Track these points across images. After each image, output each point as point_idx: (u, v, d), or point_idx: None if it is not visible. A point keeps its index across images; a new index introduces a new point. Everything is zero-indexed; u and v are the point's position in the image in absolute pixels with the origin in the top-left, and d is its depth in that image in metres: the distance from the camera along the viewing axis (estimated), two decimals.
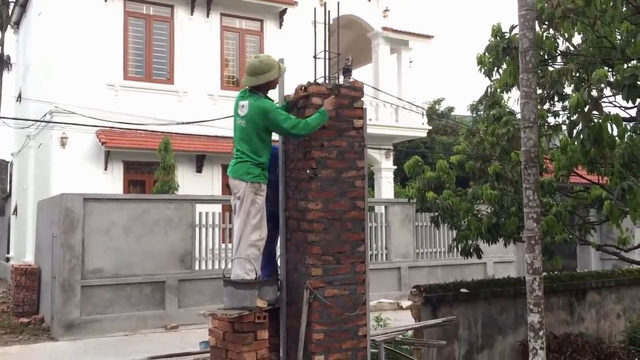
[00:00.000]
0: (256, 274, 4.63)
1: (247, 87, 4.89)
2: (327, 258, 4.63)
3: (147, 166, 15.37)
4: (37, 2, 17.73)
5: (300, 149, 4.83)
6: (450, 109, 35.90)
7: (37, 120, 15.31)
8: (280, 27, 17.95)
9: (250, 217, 4.69)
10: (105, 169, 15.09)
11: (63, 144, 14.87)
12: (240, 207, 4.71)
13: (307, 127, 4.62)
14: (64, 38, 15.18)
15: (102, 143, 14.63)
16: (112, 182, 15.03)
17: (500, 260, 15.18)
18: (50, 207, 11.96)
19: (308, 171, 4.64)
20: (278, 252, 5.11)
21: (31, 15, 18.65)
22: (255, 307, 4.52)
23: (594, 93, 4.94)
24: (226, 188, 16.06)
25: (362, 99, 4.96)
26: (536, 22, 5.06)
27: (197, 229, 11.94)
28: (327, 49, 5.08)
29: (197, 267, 11.85)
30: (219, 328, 4.68)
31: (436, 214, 7.28)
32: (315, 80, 4.87)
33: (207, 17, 16.91)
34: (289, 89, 5.08)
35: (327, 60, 5.05)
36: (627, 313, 9.09)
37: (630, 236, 7.13)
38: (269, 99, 4.87)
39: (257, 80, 4.79)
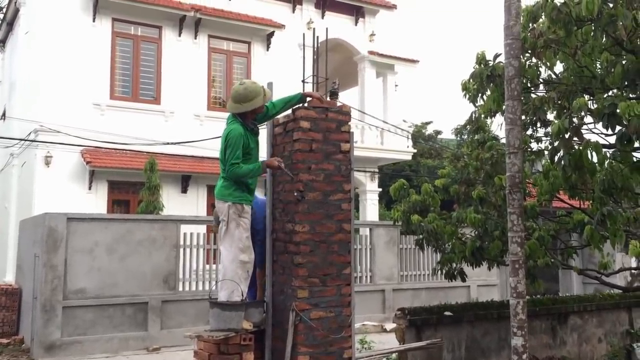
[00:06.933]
0: (242, 295, 4.64)
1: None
2: (313, 280, 4.66)
3: (132, 186, 15.31)
4: (24, 20, 17.72)
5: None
6: (438, 132, 36.30)
7: (21, 139, 15.21)
8: (267, 50, 18.11)
9: (235, 239, 4.70)
10: (90, 188, 15.00)
11: (47, 163, 14.78)
12: (226, 230, 4.72)
13: (235, 173, 4.67)
14: (51, 57, 15.18)
15: (87, 162, 14.57)
16: (96, 201, 14.94)
17: (484, 283, 15.23)
18: (33, 226, 11.83)
19: (295, 194, 4.69)
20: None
21: (18, 34, 18.60)
22: (241, 328, 4.53)
23: (575, 121, 5.07)
24: (211, 209, 16.10)
25: (349, 122, 5.04)
26: None
27: (181, 250, 11.87)
28: (315, 72, 5.17)
29: (180, 288, 11.75)
30: (204, 350, 4.67)
31: (421, 236, 7.34)
32: (303, 104, 4.94)
33: (195, 38, 17.02)
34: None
35: (315, 85, 5.13)
36: (609, 337, 9.16)
37: (611, 261, 7.23)
38: (250, 124, 4.92)
39: (242, 107, 4.84)
